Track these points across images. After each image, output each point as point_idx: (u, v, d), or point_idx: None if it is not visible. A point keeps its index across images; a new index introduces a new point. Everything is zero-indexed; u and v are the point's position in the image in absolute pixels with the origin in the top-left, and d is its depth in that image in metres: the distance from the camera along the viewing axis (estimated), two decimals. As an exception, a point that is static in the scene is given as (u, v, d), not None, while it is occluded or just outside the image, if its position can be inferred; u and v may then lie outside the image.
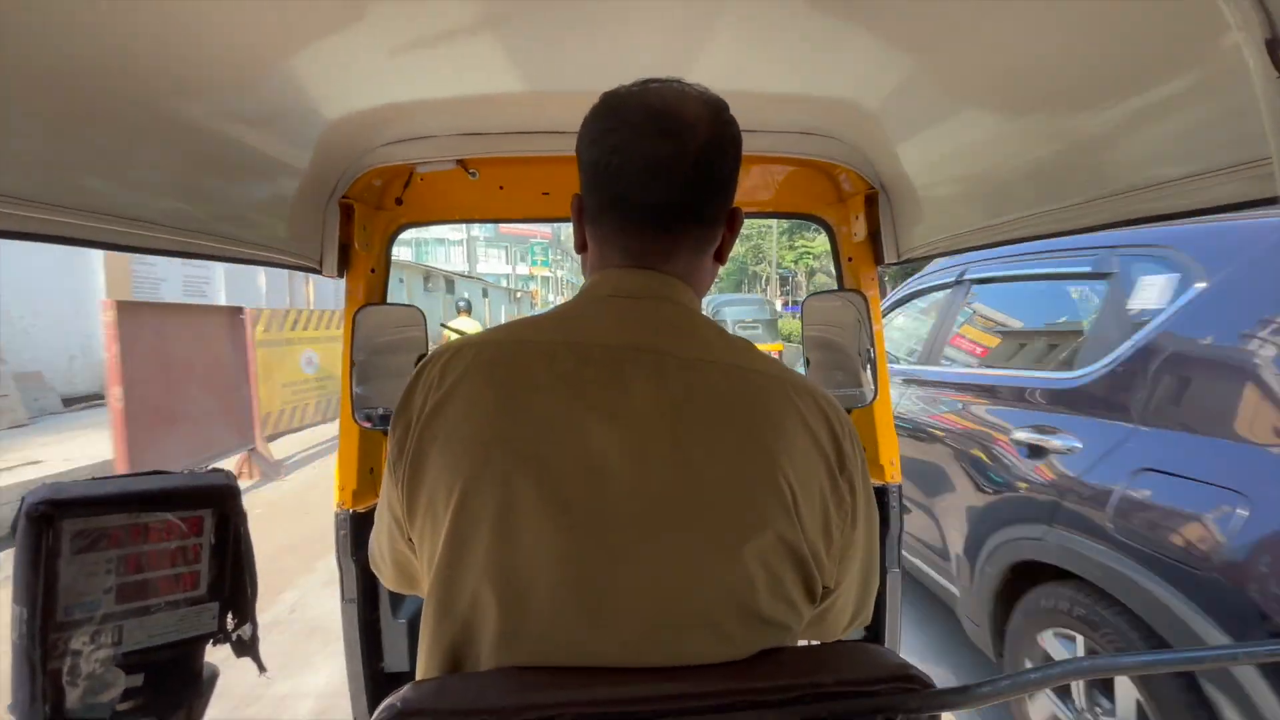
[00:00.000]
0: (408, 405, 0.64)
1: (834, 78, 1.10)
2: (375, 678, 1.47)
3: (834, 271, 1.60)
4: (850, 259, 1.55)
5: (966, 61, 0.91)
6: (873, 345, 1.46)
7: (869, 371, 1.48)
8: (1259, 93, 0.61)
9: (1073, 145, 0.93)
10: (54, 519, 0.53)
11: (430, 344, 1.47)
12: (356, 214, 1.39)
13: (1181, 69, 0.73)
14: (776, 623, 0.60)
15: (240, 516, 0.63)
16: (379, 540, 0.75)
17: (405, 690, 0.55)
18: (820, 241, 25.35)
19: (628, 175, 0.63)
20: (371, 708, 1.44)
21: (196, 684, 0.62)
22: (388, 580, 0.77)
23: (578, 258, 0.75)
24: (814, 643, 0.77)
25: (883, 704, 0.55)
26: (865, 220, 1.44)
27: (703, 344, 0.63)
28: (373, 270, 1.51)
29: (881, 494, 1.45)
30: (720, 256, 0.71)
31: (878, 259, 1.46)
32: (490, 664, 0.59)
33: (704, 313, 0.69)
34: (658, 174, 0.62)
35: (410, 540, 0.67)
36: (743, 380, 0.62)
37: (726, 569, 0.57)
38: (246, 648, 0.65)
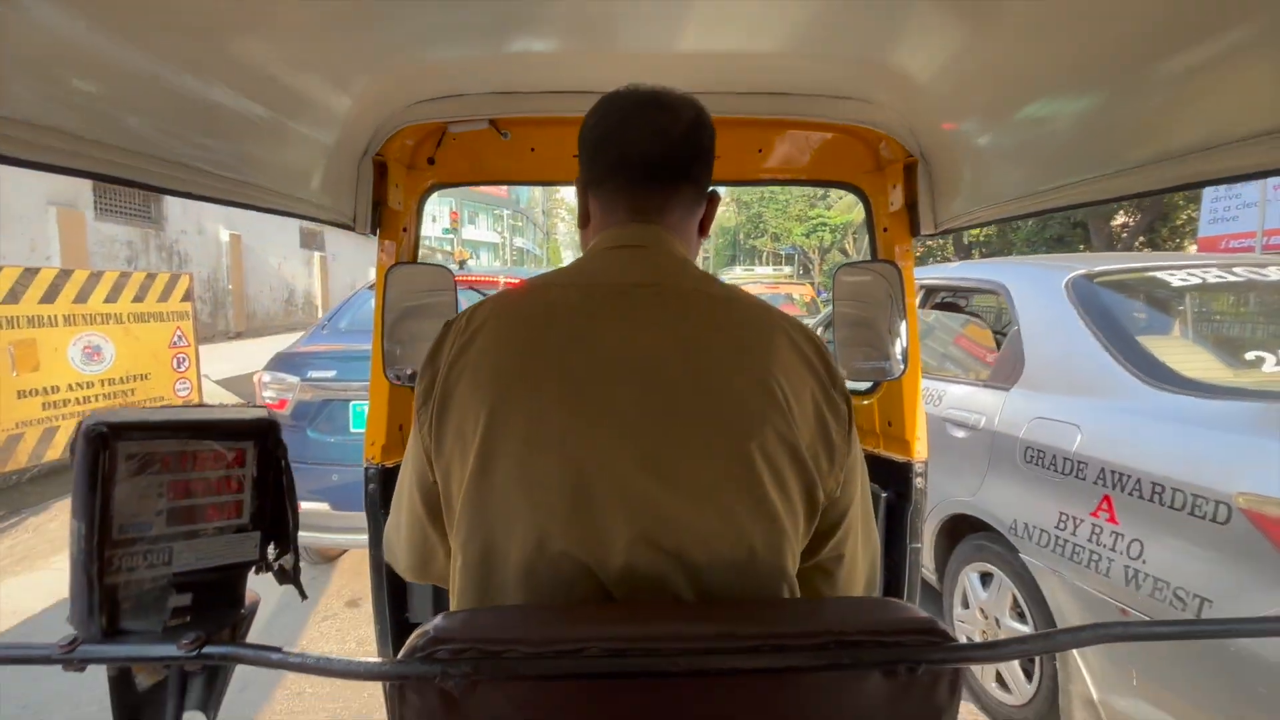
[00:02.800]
0: (436, 354, 0.71)
1: (874, 39, 1.07)
2: (400, 626, 1.52)
3: (851, 251, 1.57)
4: (885, 229, 1.52)
5: (1013, 22, 0.87)
6: (905, 318, 1.44)
7: (899, 345, 1.45)
8: None
9: (1126, 108, 0.89)
10: (109, 439, 0.55)
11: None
12: (390, 172, 1.40)
13: (1245, 22, 0.69)
14: (779, 519, 0.64)
15: (282, 450, 0.66)
16: (397, 516, 0.79)
17: (438, 619, 0.57)
18: (838, 211, 23.46)
19: (630, 139, 0.76)
20: (396, 653, 1.49)
21: (239, 606, 0.65)
22: (401, 564, 0.81)
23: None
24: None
25: (906, 654, 0.55)
26: (903, 190, 1.40)
27: (695, 279, 0.73)
28: (405, 229, 1.53)
29: (906, 469, 1.44)
30: (704, 229, 0.82)
31: (914, 230, 1.43)
32: (520, 569, 0.62)
33: None
34: (655, 137, 0.75)
35: (435, 495, 0.71)
36: (732, 306, 0.70)
37: (734, 460, 0.63)
38: (288, 576, 0.68)
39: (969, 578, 2.46)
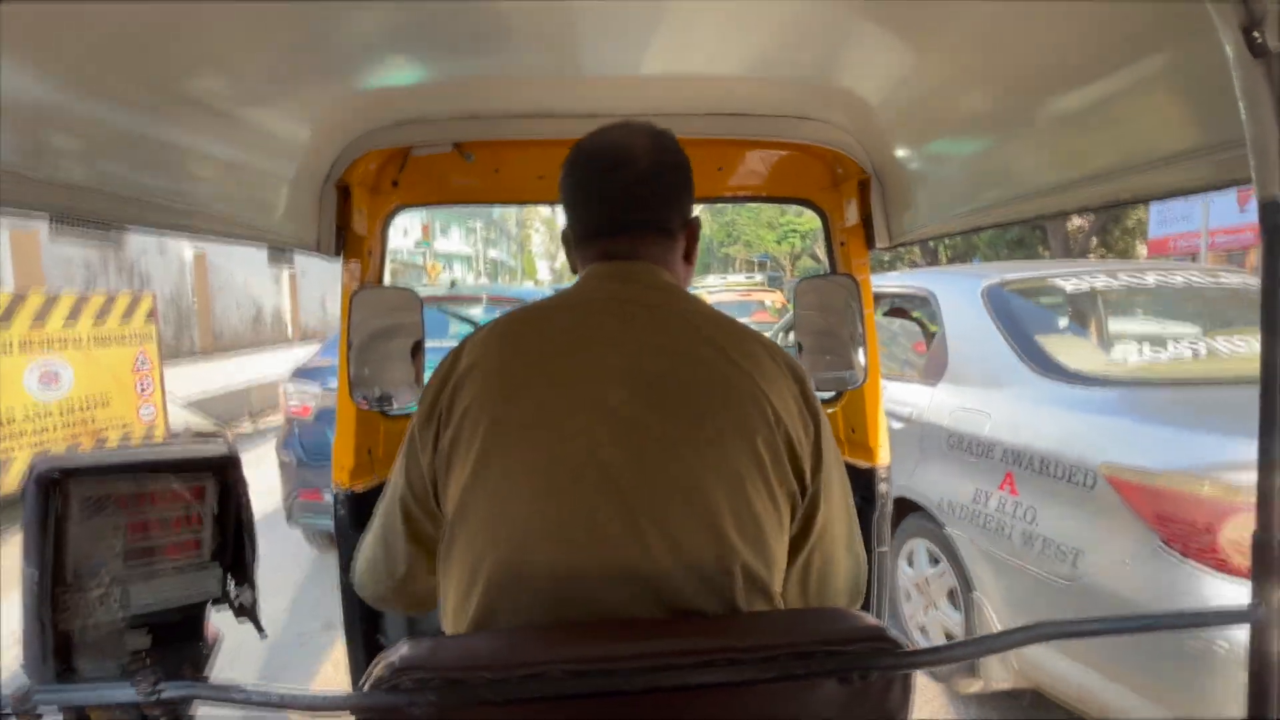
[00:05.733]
0: (439, 374, 0.73)
1: (829, 64, 1.11)
2: (373, 650, 1.50)
3: (821, 256, 1.62)
4: (843, 243, 1.57)
5: (960, 52, 0.92)
6: (863, 329, 1.48)
7: (860, 355, 1.49)
8: (1235, 79, 0.62)
9: (1059, 131, 0.95)
10: (62, 483, 0.55)
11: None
12: (353, 196, 1.40)
13: (1162, 55, 0.74)
14: (767, 533, 0.67)
15: (241, 484, 0.66)
16: (376, 540, 0.78)
17: (403, 647, 0.57)
18: (808, 219, 24.23)
19: (595, 198, 0.79)
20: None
21: (201, 644, 0.65)
22: (372, 591, 0.80)
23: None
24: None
25: (857, 662, 0.58)
26: (858, 205, 1.45)
27: (681, 299, 0.76)
28: (369, 252, 1.53)
29: (870, 475, 1.48)
30: (689, 258, 0.84)
31: (870, 243, 1.47)
32: (511, 585, 0.64)
33: None
34: (619, 195, 0.78)
35: (423, 521, 0.72)
36: (717, 323, 0.73)
37: (721, 467, 0.65)
38: (246, 611, 0.67)
39: (910, 548, 2.79)
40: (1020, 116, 0.98)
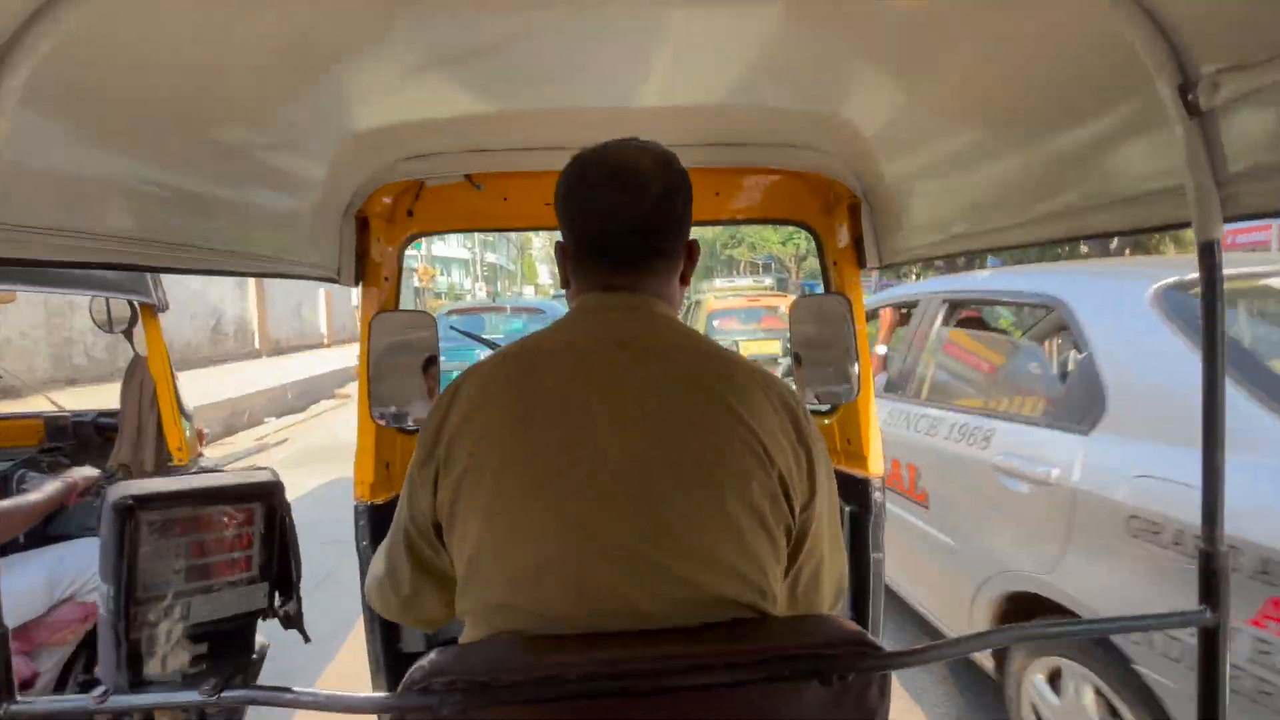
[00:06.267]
0: (434, 416, 0.75)
1: (820, 95, 1.18)
2: (393, 658, 1.57)
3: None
4: (835, 263, 1.63)
5: (944, 84, 0.99)
6: (856, 345, 1.54)
7: (854, 369, 1.56)
8: (1175, 130, 0.69)
9: (1034, 164, 1.01)
10: (134, 510, 0.62)
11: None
12: (371, 226, 1.48)
13: (1118, 106, 0.81)
14: (768, 568, 0.69)
15: (285, 507, 0.73)
16: (388, 559, 0.81)
17: (433, 655, 0.64)
18: None
19: (600, 228, 0.76)
20: (390, 685, 1.53)
21: (251, 653, 0.72)
22: (385, 607, 0.83)
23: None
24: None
25: (838, 665, 0.64)
26: (849, 228, 1.52)
27: (677, 335, 0.76)
28: (386, 278, 1.60)
29: (865, 485, 1.54)
30: (684, 279, 0.84)
31: (861, 264, 1.54)
32: (524, 622, 0.68)
33: None
34: (623, 225, 0.75)
35: (427, 552, 0.76)
36: (712, 362, 0.75)
37: (715, 513, 0.67)
38: (292, 621, 0.75)
39: (1035, 681, 1.81)
40: (996, 149, 1.05)
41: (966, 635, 0.65)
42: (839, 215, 1.56)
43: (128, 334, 2.45)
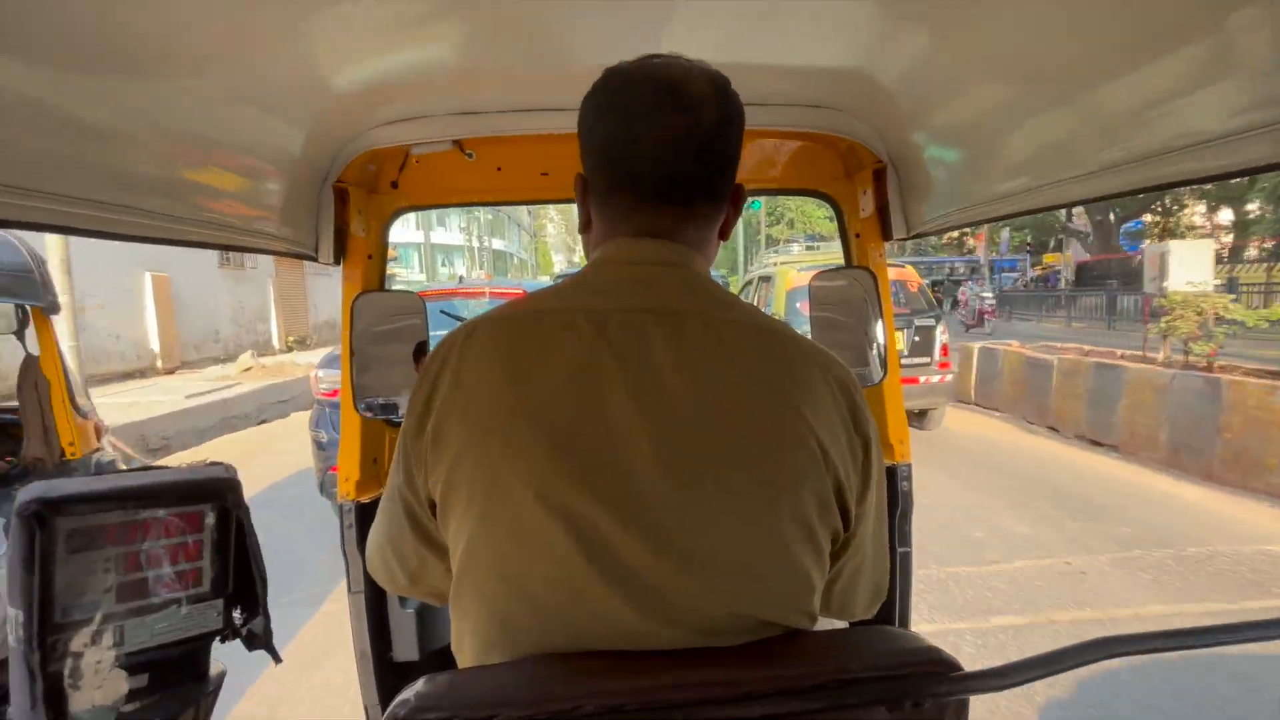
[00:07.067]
0: (424, 382, 0.63)
1: (841, 49, 1.07)
2: (384, 668, 1.47)
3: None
4: (858, 235, 1.52)
5: (979, 31, 0.87)
6: (882, 323, 1.44)
7: (877, 350, 1.45)
8: (1270, 50, 0.58)
9: (1089, 112, 0.90)
10: (47, 518, 0.50)
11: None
12: (351, 198, 1.36)
13: (1202, 28, 0.69)
14: (811, 579, 0.60)
15: (242, 509, 0.61)
16: (385, 531, 0.71)
17: (419, 684, 0.53)
18: None
19: (640, 152, 0.62)
20: (382, 697, 1.43)
21: (203, 683, 0.61)
22: (385, 578, 0.73)
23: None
24: (836, 625, 0.75)
25: (910, 688, 0.53)
26: (873, 196, 1.40)
27: (721, 305, 0.63)
28: (370, 256, 1.48)
29: (891, 473, 1.43)
30: (724, 233, 0.71)
31: (886, 235, 1.43)
32: (523, 641, 0.58)
33: None
34: (671, 150, 0.62)
35: (428, 523, 0.65)
36: (762, 340, 0.62)
37: (761, 527, 0.57)
38: (259, 641, 0.63)
39: None
40: (1049, 97, 0.93)
41: (1059, 650, 0.54)
42: (862, 182, 1.45)
43: (20, 335, 2.61)
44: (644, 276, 0.63)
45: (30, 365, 2.46)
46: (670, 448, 0.56)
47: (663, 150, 0.62)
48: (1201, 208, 21.13)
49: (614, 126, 0.63)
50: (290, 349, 15.60)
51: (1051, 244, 29.19)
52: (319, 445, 4.29)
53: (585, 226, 0.70)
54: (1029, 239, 28.59)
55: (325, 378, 4.42)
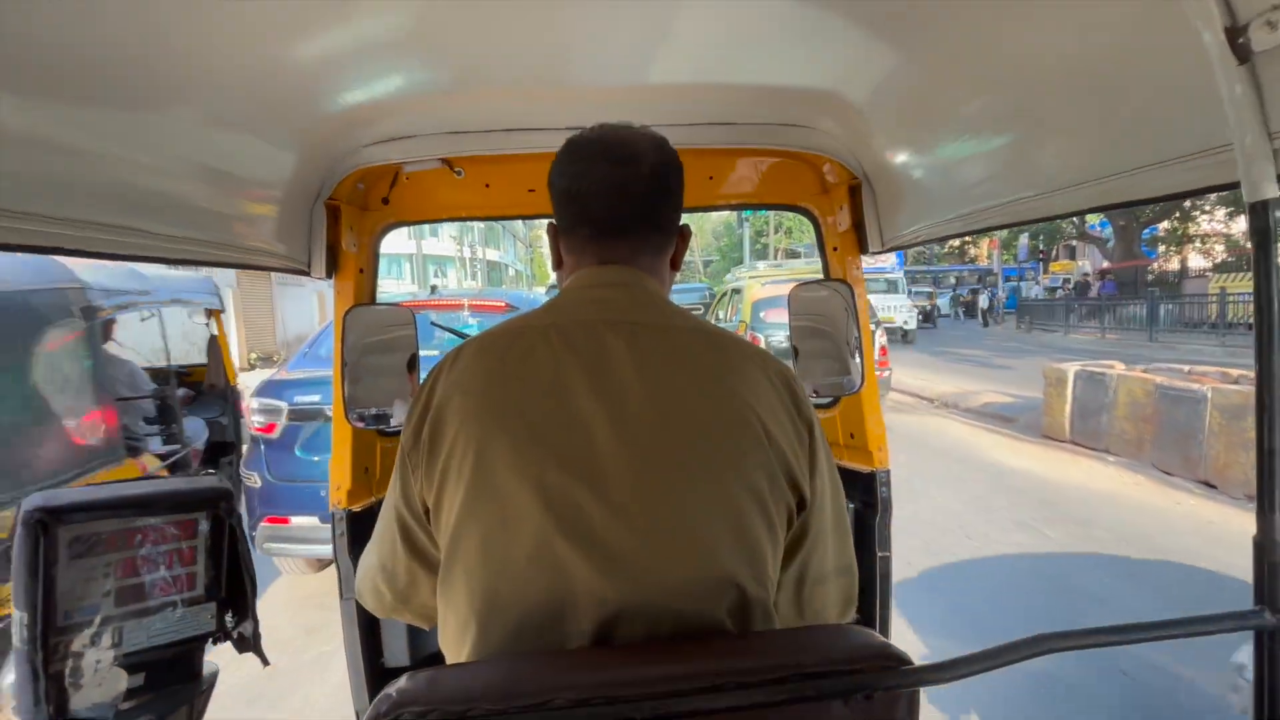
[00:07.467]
0: (420, 397, 0.72)
1: (817, 71, 1.11)
2: (375, 673, 1.49)
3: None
4: (835, 248, 1.57)
5: (947, 54, 0.92)
6: (859, 334, 1.48)
7: (856, 360, 1.49)
8: (1220, 80, 0.62)
9: (1049, 134, 0.95)
10: (50, 525, 0.54)
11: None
12: (343, 215, 1.40)
13: (1147, 59, 0.74)
14: (764, 555, 0.66)
15: (235, 518, 0.65)
16: (379, 549, 0.77)
17: (401, 681, 0.57)
18: None
19: (591, 191, 0.76)
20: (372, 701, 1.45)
21: (197, 682, 0.64)
22: (374, 602, 0.79)
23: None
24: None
25: (863, 682, 0.57)
26: (849, 210, 1.45)
27: (672, 315, 0.74)
28: (361, 270, 1.52)
29: (870, 479, 1.47)
30: (675, 263, 0.83)
31: (862, 248, 1.47)
32: (503, 623, 0.64)
33: None
34: (617, 193, 0.75)
35: (421, 536, 0.72)
36: (709, 341, 0.73)
37: (711, 497, 0.64)
38: (248, 644, 0.66)
39: None
40: (1011, 119, 0.98)
41: (1002, 646, 0.58)
42: (838, 197, 1.50)
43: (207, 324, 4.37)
44: (603, 296, 0.73)
45: (214, 340, 4.66)
46: (631, 434, 0.64)
47: (610, 194, 0.75)
48: (1220, 213, 21.19)
49: (570, 177, 0.77)
50: (253, 366, 13.89)
51: (1054, 253, 29.32)
52: (250, 491, 3.48)
53: (558, 264, 0.83)
54: (1041, 246, 28.69)
55: (260, 409, 3.58)
